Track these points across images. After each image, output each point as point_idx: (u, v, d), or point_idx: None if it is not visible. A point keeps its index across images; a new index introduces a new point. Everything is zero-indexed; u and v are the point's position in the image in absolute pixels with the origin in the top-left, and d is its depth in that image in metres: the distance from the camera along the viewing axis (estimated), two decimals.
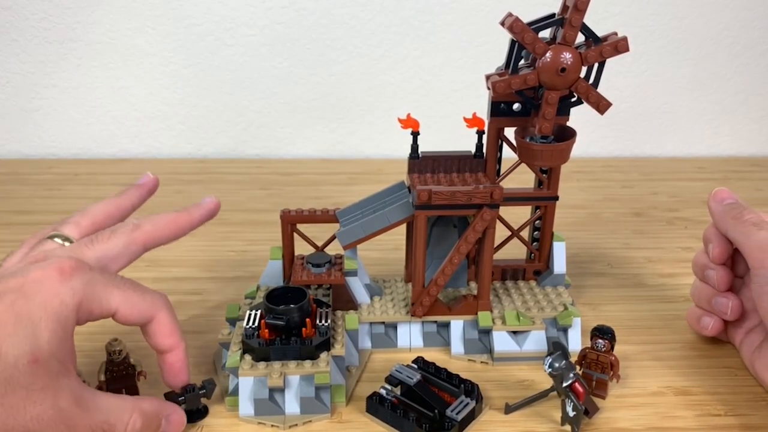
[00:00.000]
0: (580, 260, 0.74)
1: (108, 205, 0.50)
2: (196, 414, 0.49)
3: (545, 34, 0.52)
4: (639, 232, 0.82)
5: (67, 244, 0.46)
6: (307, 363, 0.50)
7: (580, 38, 0.51)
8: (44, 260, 0.41)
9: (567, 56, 0.50)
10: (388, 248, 0.66)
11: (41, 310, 0.38)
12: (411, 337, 0.58)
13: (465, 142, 0.61)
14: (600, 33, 0.51)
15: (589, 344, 0.52)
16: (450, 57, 1.02)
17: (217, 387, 0.50)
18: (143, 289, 0.44)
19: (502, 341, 0.56)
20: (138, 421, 0.41)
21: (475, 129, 0.57)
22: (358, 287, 0.58)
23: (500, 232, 0.58)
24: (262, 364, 0.49)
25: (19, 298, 0.38)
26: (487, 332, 0.57)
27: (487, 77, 0.54)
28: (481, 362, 0.57)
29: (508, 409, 0.51)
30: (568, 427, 0.48)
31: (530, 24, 0.50)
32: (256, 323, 0.51)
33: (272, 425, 0.49)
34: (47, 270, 0.39)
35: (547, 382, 0.50)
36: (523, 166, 0.58)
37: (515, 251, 0.63)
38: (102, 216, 0.49)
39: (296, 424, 0.49)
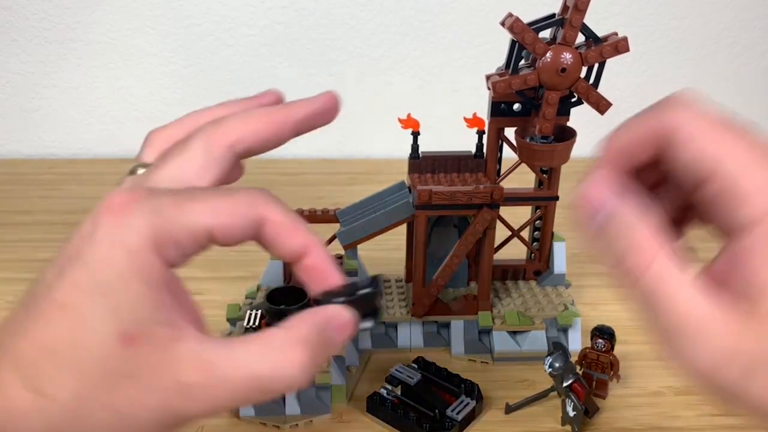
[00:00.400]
0: (580, 260, 0.74)
1: (199, 116, 0.37)
2: (370, 315, 0.33)
3: (545, 34, 0.52)
4: None
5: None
6: None
7: (581, 38, 0.51)
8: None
9: (567, 56, 0.50)
10: (388, 248, 0.66)
11: (107, 272, 0.27)
12: (411, 337, 0.58)
13: (465, 142, 0.61)
14: (600, 33, 0.51)
15: (589, 344, 0.52)
16: (450, 57, 1.02)
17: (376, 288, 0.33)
18: (232, 190, 0.31)
19: (502, 341, 0.56)
20: (303, 357, 0.29)
21: (475, 129, 0.57)
22: None
23: (500, 232, 0.58)
24: None
25: (78, 269, 0.27)
26: (487, 332, 0.57)
27: (488, 77, 0.54)
28: (482, 362, 0.57)
29: (509, 409, 0.51)
30: (568, 427, 0.48)
31: (530, 24, 0.50)
32: (257, 323, 0.51)
33: (273, 425, 0.49)
34: (96, 218, 0.28)
35: (547, 382, 0.50)
36: (523, 166, 0.58)
37: (515, 251, 0.63)
38: (190, 128, 0.35)
39: (297, 424, 0.49)
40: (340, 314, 0.31)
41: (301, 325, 0.30)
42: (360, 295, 0.32)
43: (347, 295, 0.32)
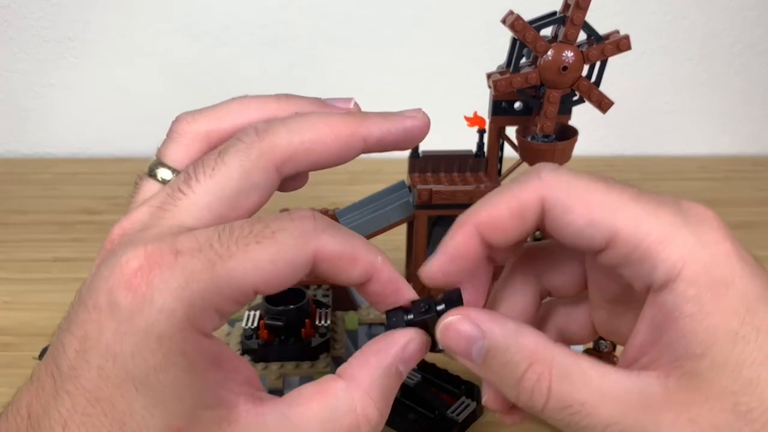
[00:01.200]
0: None
1: (243, 107, 0.31)
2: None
3: (547, 32, 0.52)
4: None
5: (170, 176, 0.30)
6: (307, 364, 0.49)
7: (582, 36, 0.51)
8: (117, 251, 0.24)
9: (569, 54, 0.50)
10: (388, 248, 0.65)
11: (141, 366, 0.23)
12: None
13: (466, 141, 0.61)
14: (602, 31, 0.51)
15: (591, 345, 0.51)
16: (450, 56, 1.02)
17: None
18: (274, 228, 0.25)
19: None
20: (371, 413, 0.26)
21: (476, 128, 0.57)
22: None
23: None
24: (260, 365, 0.49)
25: (105, 359, 0.23)
26: None
27: (488, 76, 0.54)
28: None
29: None
30: None
31: (531, 22, 0.50)
32: (255, 324, 0.51)
33: None
34: (112, 292, 0.23)
35: None
36: (525, 165, 0.57)
37: None
38: (230, 123, 0.30)
39: None
40: (416, 340, 0.28)
41: (364, 372, 0.27)
42: (439, 311, 0.28)
43: (421, 312, 0.28)
